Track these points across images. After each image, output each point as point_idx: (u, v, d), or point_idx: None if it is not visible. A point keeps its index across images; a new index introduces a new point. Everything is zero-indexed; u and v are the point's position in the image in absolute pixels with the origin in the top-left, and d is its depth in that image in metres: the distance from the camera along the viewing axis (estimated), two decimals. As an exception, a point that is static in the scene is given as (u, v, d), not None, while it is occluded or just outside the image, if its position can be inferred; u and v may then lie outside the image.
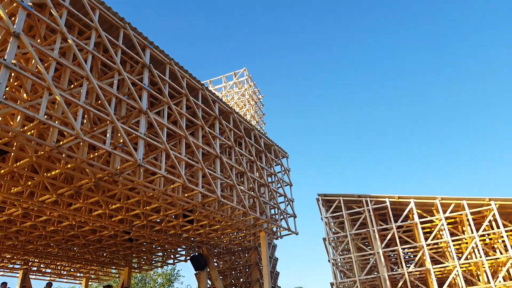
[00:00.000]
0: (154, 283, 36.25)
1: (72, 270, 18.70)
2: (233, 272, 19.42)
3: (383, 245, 16.62)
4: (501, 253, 16.27)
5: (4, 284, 13.78)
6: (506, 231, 15.14)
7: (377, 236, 16.56)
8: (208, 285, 18.31)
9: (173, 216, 13.02)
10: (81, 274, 19.45)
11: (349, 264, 20.24)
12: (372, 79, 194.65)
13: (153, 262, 18.82)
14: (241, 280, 19.04)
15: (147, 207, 11.65)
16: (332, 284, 17.69)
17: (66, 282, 20.38)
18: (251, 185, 13.68)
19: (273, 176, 15.81)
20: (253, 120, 23.82)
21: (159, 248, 16.73)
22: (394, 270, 19.71)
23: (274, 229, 16.09)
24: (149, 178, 9.93)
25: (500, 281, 14.86)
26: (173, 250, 17.63)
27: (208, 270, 16.59)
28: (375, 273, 17.80)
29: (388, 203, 16.63)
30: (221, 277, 19.06)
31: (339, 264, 19.27)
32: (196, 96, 11.64)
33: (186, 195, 11.09)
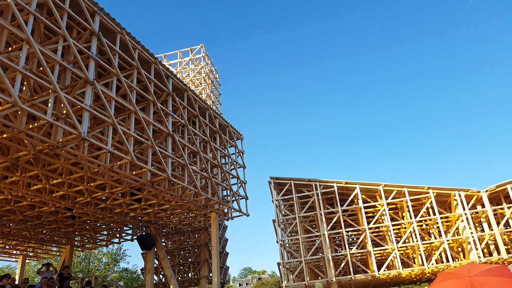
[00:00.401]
0: (99, 262, 35.22)
1: (7, 247, 17.59)
2: (182, 252, 19.28)
3: (329, 227, 17.24)
4: (435, 238, 17.53)
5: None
6: (441, 218, 16.27)
7: (323, 219, 17.13)
8: (155, 265, 18.08)
9: (120, 194, 12.57)
10: (18, 252, 18.36)
11: (296, 245, 20.84)
12: (335, 65, 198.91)
13: (97, 240, 18.18)
14: (190, 260, 18.98)
15: (92, 184, 11.13)
16: (279, 264, 18.15)
17: (0, 260, 19.13)
18: (204, 166, 13.50)
19: (226, 157, 15.71)
20: (209, 100, 23.37)
21: (104, 226, 16.14)
22: (338, 251, 20.62)
23: (226, 210, 16.12)
24: (94, 153, 9.45)
25: (433, 264, 16.04)
26: (119, 229, 17.10)
27: (155, 249, 16.34)
28: (320, 254, 18.48)
29: (335, 188, 17.21)
30: (169, 257, 18.89)
31: (287, 245, 19.79)
32: (148, 69, 11.13)
33: (134, 172, 10.72)
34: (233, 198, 15.45)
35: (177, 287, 15.64)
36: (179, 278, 18.81)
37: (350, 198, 17.37)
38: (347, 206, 17.36)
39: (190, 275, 18.86)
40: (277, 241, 17.74)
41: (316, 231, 19.40)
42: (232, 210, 15.65)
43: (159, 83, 11.46)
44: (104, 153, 9.51)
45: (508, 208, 15.53)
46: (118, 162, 9.76)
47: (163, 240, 18.78)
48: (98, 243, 18.68)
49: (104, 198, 12.70)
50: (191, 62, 24.26)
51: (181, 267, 19.02)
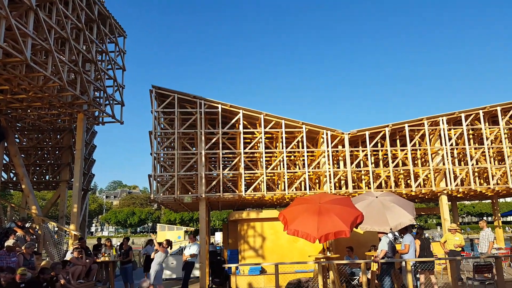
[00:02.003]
0: None
1: None
2: (40, 152, 17.26)
3: (207, 147, 17.32)
4: (299, 168, 19.25)
5: None
6: (307, 152, 17.74)
7: (203, 138, 17.06)
8: (5, 162, 15.91)
9: (-43, 70, 10.13)
10: None
11: (171, 160, 20.62)
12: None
13: None
14: (48, 161, 17.19)
15: None
16: (150, 176, 17.78)
17: None
18: (74, 58, 11.65)
19: (104, 54, 13.86)
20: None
21: None
22: (212, 171, 21.16)
23: (96, 113, 14.64)
24: None
25: (293, 190, 17.72)
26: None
27: (5, 144, 14.22)
28: (195, 171, 18.69)
29: (220, 109, 17.05)
30: (23, 155, 16.76)
31: (162, 159, 19.43)
32: None
33: (-23, 46, 8.57)
34: (107, 102, 14.02)
35: (29, 186, 14.14)
36: (34, 179, 17.05)
37: (232, 122, 17.51)
38: (228, 129, 17.51)
39: (47, 177, 17.24)
40: (151, 154, 17.16)
41: (194, 149, 19.37)
42: (104, 114, 14.27)
43: None
44: None
45: (362, 151, 17.69)
46: (-48, 27, 7.61)
47: (16, 135, 16.42)
48: None
49: None
50: None
51: (38, 168, 17.18)
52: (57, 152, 17.27)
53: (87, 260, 11.58)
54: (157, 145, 17.69)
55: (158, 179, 18.35)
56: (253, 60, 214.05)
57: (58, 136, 17.04)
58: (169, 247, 11.98)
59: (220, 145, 17.15)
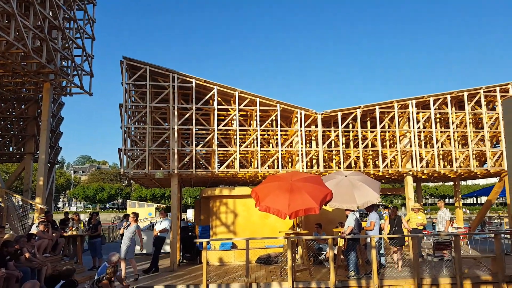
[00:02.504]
0: None
1: None
2: (2, 122, 16.45)
3: (179, 122, 17.06)
4: (273, 147, 19.36)
5: None
6: (281, 131, 17.84)
7: (176, 113, 16.76)
8: (-36, 132, 15.12)
9: None
10: None
11: (142, 135, 20.21)
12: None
13: None
14: (12, 132, 16.43)
15: None
16: (120, 150, 17.39)
17: None
18: (40, 24, 11.01)
19: (72, 22, 13.16)
20: None
21: None
22: (185, 146, 20.94)
23: (64, 83, 14.01)
24: None
25: (265, 168, 17.88)
26: None
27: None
28: (167, 147, 18.42)
29: (193, 84, 16.73)
30: (-16, 125, 15.95)
31: (132, 133, 18.99)
32: None
33: None
34: (75, 72, 13.42)
35: (-9, 159, 13.53)
36: (-3, 151, 16.34)
37: (206, 97, 17.26)
38: (202, 104, 17.26)
39: (11, 149, 16.52)
40: (121, 127, 16.73)
41: (166, 124, 19.03)
42: (72, 85, 13.68)
43: None
44: None
45: (334, 131, 17.97)
46: None
47: (-23, 104, 15.57)
48: None
49: None
50: None
51: (0, 139, 16.40)
52: (21, 123, 16.52)
53: (53, 234, 11.34)
54: (128, 119, 17.22)
55: (128, 154, 17.98)
56: (231, 38, 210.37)
57: (23, 106, 16.26)
58: (136, 219, 11.96)
59: (194, 121, 16.93)
